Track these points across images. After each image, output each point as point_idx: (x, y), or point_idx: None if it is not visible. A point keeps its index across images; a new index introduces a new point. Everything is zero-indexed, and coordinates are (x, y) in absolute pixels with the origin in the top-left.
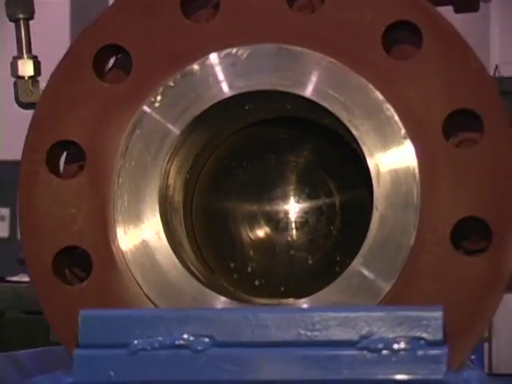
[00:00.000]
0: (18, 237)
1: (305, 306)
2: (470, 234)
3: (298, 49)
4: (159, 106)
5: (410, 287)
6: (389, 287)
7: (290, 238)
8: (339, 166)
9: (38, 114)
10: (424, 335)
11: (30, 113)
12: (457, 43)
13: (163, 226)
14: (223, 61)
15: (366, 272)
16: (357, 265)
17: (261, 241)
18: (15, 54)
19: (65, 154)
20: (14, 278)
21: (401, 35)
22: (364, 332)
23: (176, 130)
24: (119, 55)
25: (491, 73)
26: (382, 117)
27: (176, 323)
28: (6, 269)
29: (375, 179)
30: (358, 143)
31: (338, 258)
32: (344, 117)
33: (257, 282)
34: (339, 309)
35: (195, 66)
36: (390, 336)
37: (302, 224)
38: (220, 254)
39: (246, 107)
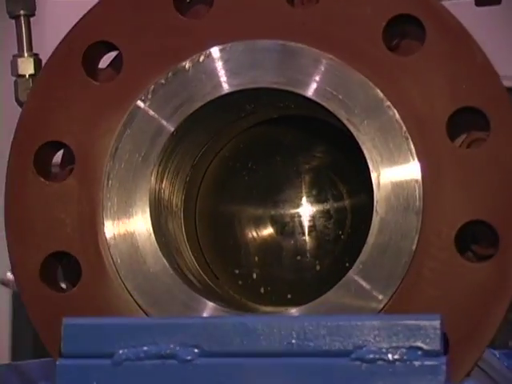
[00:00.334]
0: None
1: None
2: (479, 238)
3: (295, 45)
4: (150, 105)
5: (412, 294)
6: (388, 295)
7: (296, 243)
8: (349, 167)
9: (25, 113)
10: (421, 345)
11: None
12: (461, 38)
13: (155, 230)
14: (217, 57)
15: (363, 280)
16: (354, 273)
17: (266, 246)
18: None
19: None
20: None
21: (405, 30)
22: (358, 342)
23: (170, 128)
24: (110, 52)
25: None
26: (383, 115)
27: (162, 332)
28: None
29: (375, 181)
30: (357, 143)
31: (348, 264)
32: (342, 115)
33: (262, 290)
34: (332, 317)
35: (188, 63)
36: (386, 346)
37: (309, 228)
38: (224, 259)
39: (247, 106)
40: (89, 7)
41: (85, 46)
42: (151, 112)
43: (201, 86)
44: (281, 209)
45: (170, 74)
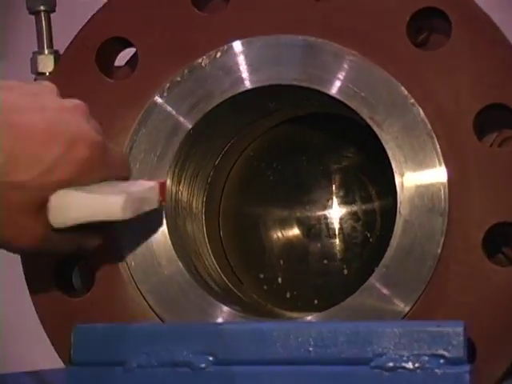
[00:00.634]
0: None
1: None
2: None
3: (318, 40)
4: (167, 101)
5: (437, 300)
6: (412, 301)
7: (323, 246)
8: (379, 167)
9: None
10: (443, 353)
11: None
12: (489, 31)
13: (170, 232)
14: (234, 53)
15: (386, 285)
16: (376, 277)
17: (292, 249)
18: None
19: None
20: None
21: (433, 24)
22: (378, 349)
23: (187, 125)
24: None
25: None
26: (407, 113)
27: (175, 339)
28: None
29: (398, 181)
30: (379, 141)
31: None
32: (365, 113)
33: (288, 295)
34: (351, 324)
35: (204, 60)
36: (407, 353)
37: (336, 231)
38: (248, 263)
39: (268, 103)
40: (102, 2)
41: (98, 43)
42: (168, 108)
43: (218, 82)
44: (307, 210)
45: (185, 71)
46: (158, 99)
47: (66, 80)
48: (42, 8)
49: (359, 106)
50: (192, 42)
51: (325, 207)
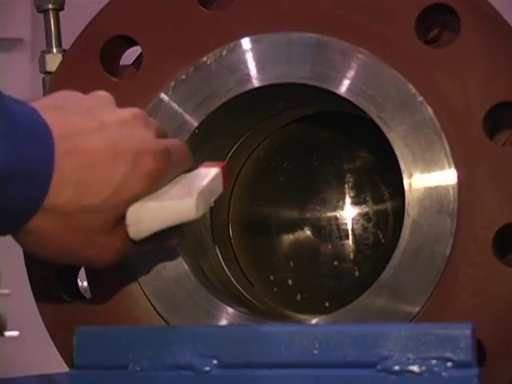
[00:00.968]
0: None
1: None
2: None
3: (325, 37)
4: (173, 99)
5: (446, 302)
6: (421, 302)
7: (334, 248)
8: (392, 167)
9: None
10: (451, 356)
11: None
12: (499, 27)
13: None
14: (240, 52)
15: (394, 286)
16: (385, 279)
17: (302, 250)
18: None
19: None
20: None
21: (445, 20)
22: (384, 352)
23: (193, 124)
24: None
25: None
26: (415, 112)
27: (178, 342)
28: None
29: (406, 181)
30: (388, 141)
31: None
32: (373, 112)
33: (298, 297)
34: (357, 326)
35: (210, 58)
36: (413, 356)
37: (347, 232)
38: (259, 265)
39: (277, 102)
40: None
41: (103, 41)
42: (174, 106)
43: (224, 81)
44: (318, 211)
45: (191, 70)
46: (164, 97)
47: (69, 79)
48: (50, 6)
49: (367, 105)
50: (198, 39)
51: (336, 208)
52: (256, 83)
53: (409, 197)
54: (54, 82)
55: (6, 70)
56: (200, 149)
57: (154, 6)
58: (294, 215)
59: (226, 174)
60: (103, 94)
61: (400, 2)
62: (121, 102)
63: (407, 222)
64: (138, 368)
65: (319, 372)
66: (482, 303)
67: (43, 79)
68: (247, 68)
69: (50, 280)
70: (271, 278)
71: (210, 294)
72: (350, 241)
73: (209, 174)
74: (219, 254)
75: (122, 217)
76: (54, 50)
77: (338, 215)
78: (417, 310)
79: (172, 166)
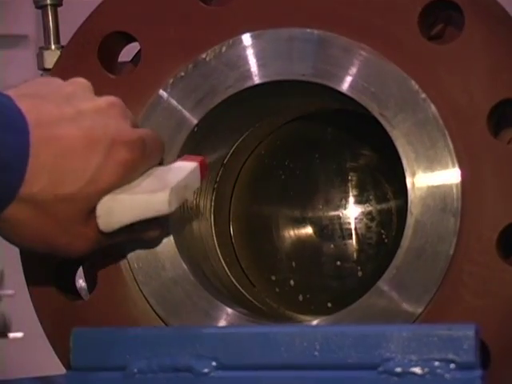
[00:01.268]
0: None
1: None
2: None
3: (327, 33)
4: (172, 96)
5: (450, 302)
6: (424, 303)
7: (336, 247)
8: (395, 165)
9: None
10: (454, 357)
11: None
12: (503, 23)
13: (175, 234)
14: (240, 48)
15: (397, 286)
16: (387, 279)
17: (304, 250)
18: None
19: None
20: None
21: (449, 16)
22: (386, 353)
23: (192, 121)
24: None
25: None
26: (418, 109)
27: (177, 343)
28: None
29: (409, 179)
30: (390, 138)
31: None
32: (375, 109)
33: (301, 297)
34: (358, 327)
35: (209, 54)
36: (415, 358)
37: (350, 231)
38: (260, 265)
39: (278, 99)
40: None
41: (100, 38)
42: (174, 103)
43: (223, 78)
44: (320, 210)
45: (190, 66)
46: (163, 94)
47: (67, 76)
48: (48, 2)
49: (369, 102)
50: (197, 36)
51: (338, 207)
52: (256, 80)
53: (412, 195)
54: None
55: (10, 66)
56: (200, 146)
57: (153, 2)
58: (296, 214)
59: (204, 168)
60: (81, 81)
61: None
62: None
63: (410, 221)
64: (135, 370)
65: (320, 374)
66: (485, 304)
67: (41, 76)
68: (247, 64)
69: (47, 280)
70: (273, 278)
71: (210, 294)
72: (353, 240)
73: (185, 168)
74: (220, 254)
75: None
76: (53, 47)
77: (341, 214)
78: (420, 310)
79: (147, 157)
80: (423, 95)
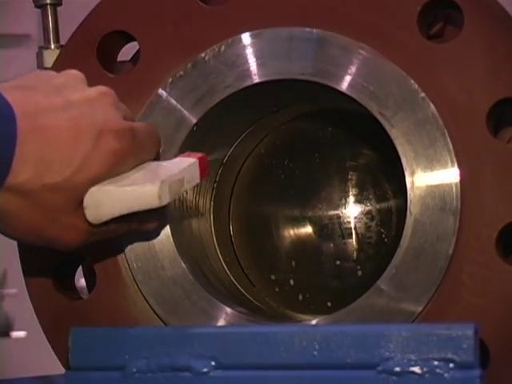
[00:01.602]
0: None
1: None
2: None
3: (323, 32)
4: (171, 95)
5: (449, 302)
6: (423, 302)
7: (336, 247)
8: (395, 165)
9: None
10: (453, 356)
11: None
12: (503, 22)
13: (174, 233)
14: (239, 47)
15: (396, 286)
16: (386, 278)
17: (304, 249)
18: None
19: None
20: None
21: (449, 15)
22: (385, 353)
23: (191, 120)
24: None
25: None
26: (417, 108)
27: (175, 343)
28: None
29: (409, 179)
30: (389, 138)
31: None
32: (374, 108)
33: (300, 297)
34: (357, 326)
35: (208, 54)
36: (414, 357)
37: (350, 231)
38: (260, 264)
39: (278, 98)
40: None
41: (99, 37)
42: (173, 102)
43: (222, 77)
44: (319, 209)
45: (189, 65)
46: (162, 93)
47: None
48: (48, 1)
49: (368, 101)
50: (196, 35)
51: (338, 206)
52: (256, 79)
53: (411, 195)
54: None
55: (12, 66)
56: (199, 146)
57: (152, 1)
58: (295, 214)
59: (204, 165)
60: (74, 72)
61: None
62: (119, 98)
63: (409, 220)
64: (134, 369)
65: (319, 374)
66: (485, 303)
67: None
68: (247, 64)
69: (46, 279)
70: (272, 277)
71: (209, 293)
72: (353, 240)
73: (184, 163)
74: (219, 254)
75: None
76: (52, 46)
77: (341, 213)
78: (419, 309)
79: (137, 148)
80: (422, 94)
